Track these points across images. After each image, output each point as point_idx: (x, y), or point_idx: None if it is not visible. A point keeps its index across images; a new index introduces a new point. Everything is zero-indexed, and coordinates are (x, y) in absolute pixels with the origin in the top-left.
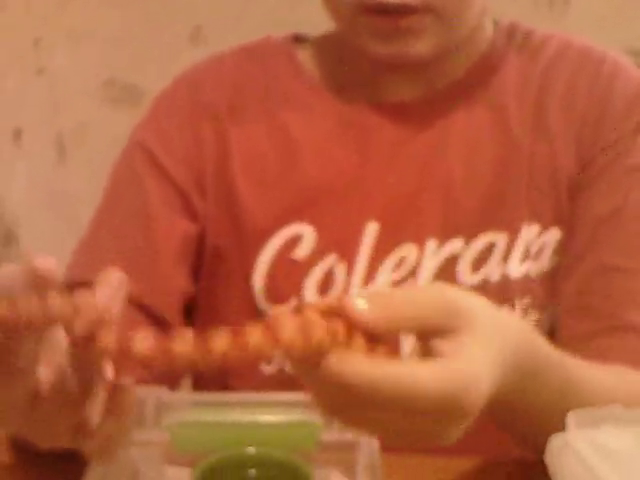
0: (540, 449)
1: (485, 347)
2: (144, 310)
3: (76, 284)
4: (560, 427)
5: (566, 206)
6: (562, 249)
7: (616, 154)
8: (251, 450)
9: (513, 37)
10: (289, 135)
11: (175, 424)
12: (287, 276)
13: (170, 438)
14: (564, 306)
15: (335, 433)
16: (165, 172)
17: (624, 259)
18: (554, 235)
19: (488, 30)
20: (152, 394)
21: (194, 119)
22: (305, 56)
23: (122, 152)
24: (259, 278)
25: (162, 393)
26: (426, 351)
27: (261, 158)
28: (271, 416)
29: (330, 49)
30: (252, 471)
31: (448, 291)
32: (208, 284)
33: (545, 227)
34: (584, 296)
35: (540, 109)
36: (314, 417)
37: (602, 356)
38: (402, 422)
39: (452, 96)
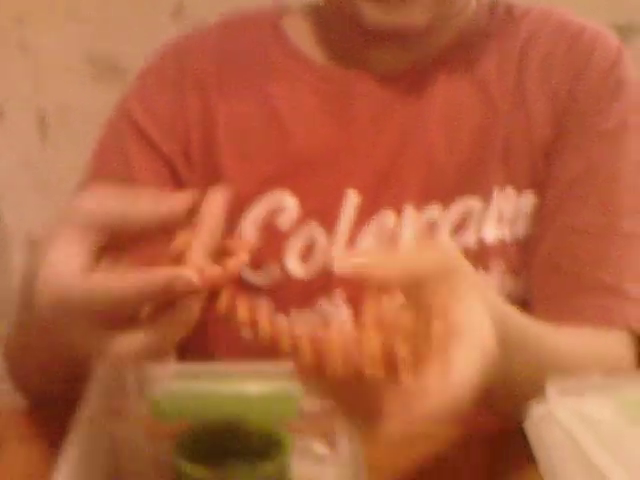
0: (513, 416)
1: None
2: None
3: None
4: (533, 393)
5: (541, 171)
6: (535, 214)
7: (590, 118)
8: (232, 420)
9: (495, 11)
10: (273, 104)
11: (157, 395)
12: (269, 243)
13: (152, 409)
14: (536, 267)
15: (316, 403)
16: (151, 142)
17: (596, 219)
18: (529, 200)
19: (471, 4)
20: (134, 364)
21: (180, 89)
22: (290, 26)
23: (108, 122)
24: None
25: (144, 365)
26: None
27: (245, 127)
28: (252, 387)
29: (315, 19)
30: (233, 441)
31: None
32: None
33: (520, 191)
34: (555, 257)
35: (519, 77)
36: (295, 387)
37: (573, 316)
38: None
39: (435, 67)
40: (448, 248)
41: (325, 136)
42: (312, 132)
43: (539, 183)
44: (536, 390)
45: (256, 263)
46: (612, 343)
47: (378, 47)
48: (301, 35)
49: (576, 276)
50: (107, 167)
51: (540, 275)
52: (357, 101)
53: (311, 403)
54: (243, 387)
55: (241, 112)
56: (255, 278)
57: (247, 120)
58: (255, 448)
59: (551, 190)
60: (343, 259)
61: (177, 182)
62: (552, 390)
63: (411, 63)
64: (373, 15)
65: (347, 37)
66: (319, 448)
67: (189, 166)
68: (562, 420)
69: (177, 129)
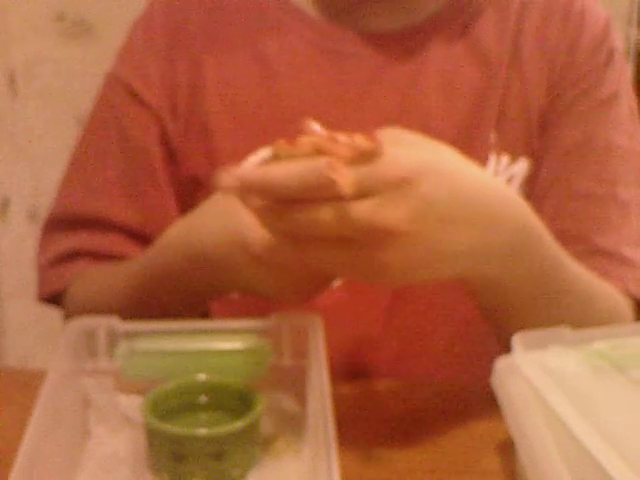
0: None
1: None
2: (140, 239)
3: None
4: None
5: (536, 138)
6: (530, 180)
7: (586, 87)
8: (201, 377)
9: None
10: (266, 60)
11: (127, 352)
12: None
13: (122, 366)
14: None
15: (285, 360)
16: (141, 100)
17: (594, 186)
18: (523, 166)
19: None
20: (104, 323)
21: (169, 45)
22: None
23: (103, 82)
24: None
25: (114, 322)
26: None
27: (237, 82)
28: (222, 343)
29: None
30: (203, 398)
31: None
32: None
33: (514, 158)
34: (556, 221)
35: (516, 43)
36: (265, 344)
37: None
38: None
39: (431, 28)
40: None
41: (319, 92)
42: (306, 88)
43: (534, 149)
44: (538, 311)
45: None
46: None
47: (372, 7)
48: None
49: (576, 241)
50: (103, 130)
51: None
52: (351, 60)
53: (280, 359)
54: (213, 344)
55: (231, 66)
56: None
57: (237, 74)
58: (225, 404)
59: (549, 157)
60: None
61: (165, 137)
62: (518, 343)
63: (406, 24)
64: None
65: None
66: (288, 403)
67: (175, 121)
68: (527, 372)
69: (165, 86)
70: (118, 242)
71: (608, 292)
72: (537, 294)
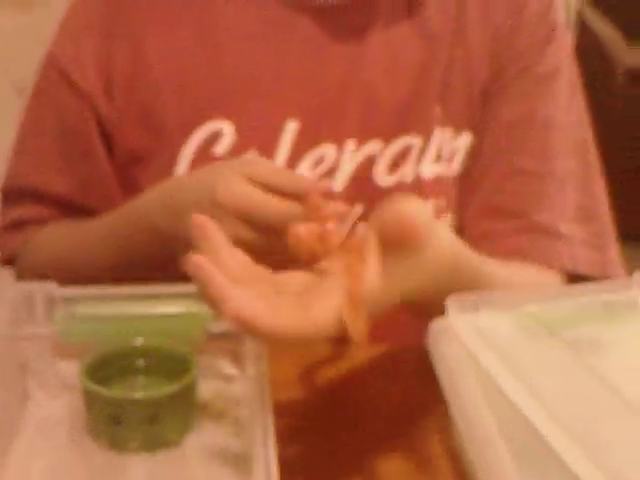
0: None
1: None
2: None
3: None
4: None
5: (478, 112)
6: (473, 154)
7: (527, 62)
8: (138, 341)
9: None
10: (208, 30)
11: (64, 317)
12: None
13: (60, 331)
14: (475, 206)
15: (223, 324)
16: (74, 84)
17: (534, 162)
18: (466, 139)
19: None
20: (43, 288)
21: (108, 23)
22: None
23: (44, 58)
24: (181, 173)
25: (52, 287)
26: None
27: (180, 55)
28: (159, 307)
29: None
30: (140, 361)
31: None
32: (126, 185)
33: (458, 131)
34: (495, 197)
35: (460, 16)
36: (202, 308)
37: (509, 255)
38: None
39: (375, 3)
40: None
41: (261, 62)
42: (248, 58)
43: (476, 122)
44: None
45: None
46: (545, 280)
47: None
48: None
49: (515, 217)
50: (42, 108)
51: (479, 213)
52: (295, 30)
53: (218, 324)
54: (152, 308)
55: (174, 39)
56: None
57: (180, 47)
58: (163, 369)
59: (490, 131)
60: None
61: (100, 118)
62: (452, 305)
63: None
64: None
65: None
66: (226, 367)
67: (111, 102)
68: (461, 334)
69: (100, 68)
70: (58, 212)
71: (531, 281)
72: None
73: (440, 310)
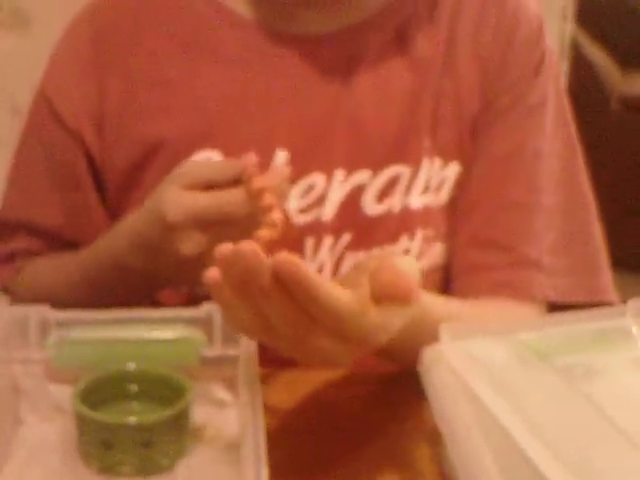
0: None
1: None
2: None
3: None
4: None
5: (467, 142)
6: (461, 184)
7: (517, 94)
8: (131, 366)
9: None
10: (194, 60)
11: (58, 341)
12: None
13: (53, 355)
14: (464, 237)
15: (217, 349)
16: (61, 120)
17: (523, 194)
18: (454, 169)
19: None
20: (36, 312)
21: (96, 57)
22: None
23: (36, 92)
24: None
25: (46, 311)
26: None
27: (166, 84)
28: (154, 332)
29: None
30: (133, 386)
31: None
32: (116, 217)
33: (446, 161)
34: (484, 229)
35: (450, 44)
36: (196, 333)
37: (495, 287)
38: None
39: (363, 31)
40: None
41: (251, 93)
42: (237, 88)
43: (465, 152)
44: None
45: None
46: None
47: (304, 11)
48: None
49: (504, 251)
50: (30, 136)
51: (467, 246)
52: (283, 60)
53: (212, 349)
54: (144, 333)
55: (161, 68)
56: None
57: (169, 76)
58: (156, 394)
59: (480, 163)
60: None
61: (88, 151)
62: (445, 333)
63: (340, 27)
64: None
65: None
66: (220, 393)
67: (100, 133)
68: (453, 362)
69: (87, 102)
70: (48, 245)
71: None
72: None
73: (404, 356)
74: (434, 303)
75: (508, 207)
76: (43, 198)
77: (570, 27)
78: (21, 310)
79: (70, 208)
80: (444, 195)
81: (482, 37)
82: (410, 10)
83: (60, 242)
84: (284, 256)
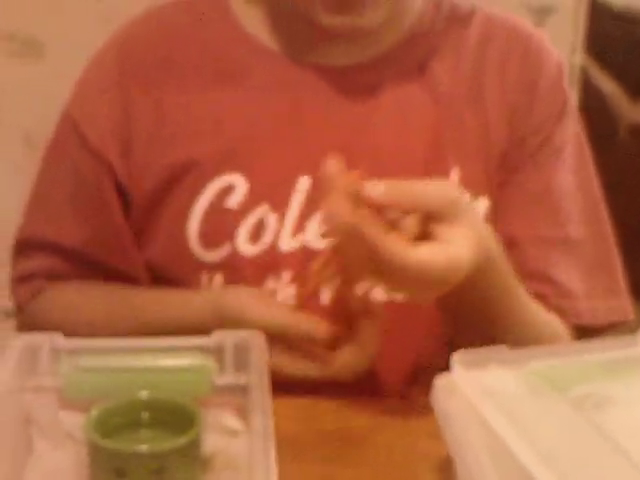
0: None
1: (470, 238)
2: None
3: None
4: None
5: (494, 178)
6: (488, 220)
7: (544, 137)
8: (143, 394)
9: (440, 9)
10: (222, 86)
11: (69, 370)
12: (220, 223)
13: (64, 384)
14: None
15: (228, 377)
16: (88, 143)
17: (553, 230)
18: (484, 203)
19: (418, 1)
20: (48, 340)
21: (121, 83)
22: (240, 10)
23: (61, 114)
24: (194, 225)
25: (58, 339)
26: (425, 233)
27: (193, 107)
28: (165, 361)
29: (266, 7)
30: (145, 414)
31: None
32: (140, 239)
33: (476, 195)
34: (528, 263)
35: (476, 81)
36: (208, 362)
37: None
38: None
39: (384, 64)
40: (452, 184)
41: (275, 119)
42: (262, 114)
43: (492, 189)
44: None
45: (208, 241)
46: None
47: (329, 41)
48: (251, 20)
49: (537, 280)
50: (55, 157)
51: None
52: (308, 89)
53: (223, 377)
54: (156, 361)
55: (189, 93)
56: (207, 255)
57: (194, 101)
58: (167, 422)
59: (513, 203)
60: (374, 186)
61: (114, 173)
62: (456, 361)
63: (361, 59)
64: (327, 18)
65: (299, 29)
66: (231, 421)
67: (127, 163)
68: (465, 391)
69: (117, 128)
70: (71, 265)
71: (551, 322)
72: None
73: (465, 322)
74: (500, 255)
75: (540, 243)
76: (68, 218)
77: (579, 57)
78: (33, 338)
79: (95, 228)
80: None
81: (508, 72)
82: (433, 44)
83: (84, 262)
84: None
